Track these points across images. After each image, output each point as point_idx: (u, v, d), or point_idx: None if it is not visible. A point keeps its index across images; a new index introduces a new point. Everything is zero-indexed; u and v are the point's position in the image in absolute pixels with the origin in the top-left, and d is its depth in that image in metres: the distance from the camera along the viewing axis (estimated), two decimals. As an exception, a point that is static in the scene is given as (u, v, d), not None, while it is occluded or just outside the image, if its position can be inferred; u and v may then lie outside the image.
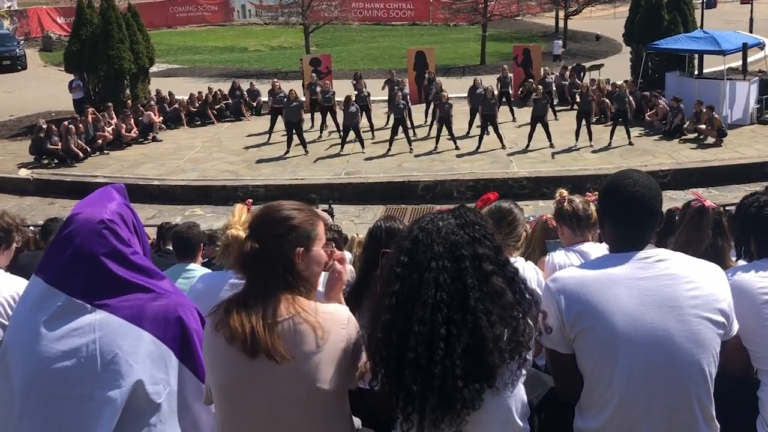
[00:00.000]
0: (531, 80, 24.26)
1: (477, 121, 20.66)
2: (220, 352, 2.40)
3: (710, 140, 20.19)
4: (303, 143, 20.46)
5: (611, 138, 20.00)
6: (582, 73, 25.99)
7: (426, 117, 22.34)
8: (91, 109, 22.12)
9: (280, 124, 21.22)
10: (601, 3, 43.24)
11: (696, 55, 24.11)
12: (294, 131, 20.31)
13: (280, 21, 38.84)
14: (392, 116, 20.65)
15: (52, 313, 2.51)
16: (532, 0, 44.14)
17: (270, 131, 21.99)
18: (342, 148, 20.45)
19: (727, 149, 19.68)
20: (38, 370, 2.46)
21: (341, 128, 20.63)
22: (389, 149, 20.24)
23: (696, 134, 20.52)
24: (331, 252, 2.61)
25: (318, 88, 21.94)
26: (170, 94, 25.24)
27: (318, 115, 22.47)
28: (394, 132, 20.23)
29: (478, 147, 20.06)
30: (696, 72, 24.41)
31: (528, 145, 20.00)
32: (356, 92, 21.47)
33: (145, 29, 26.13)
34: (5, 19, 43.19)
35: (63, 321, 2.49)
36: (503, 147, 19.97)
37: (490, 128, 20.01)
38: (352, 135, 20.18)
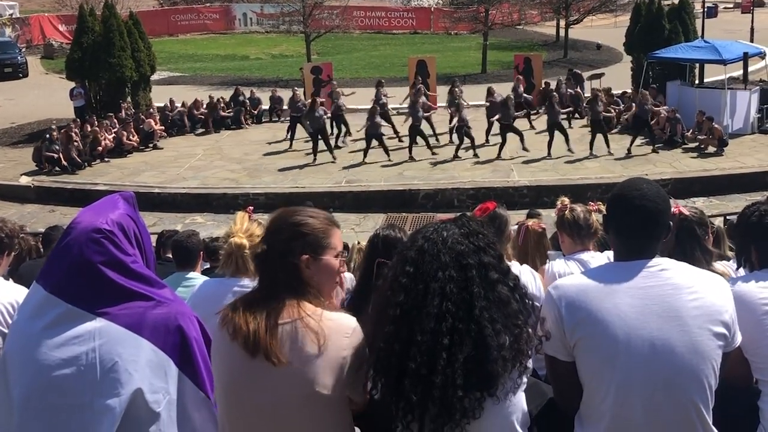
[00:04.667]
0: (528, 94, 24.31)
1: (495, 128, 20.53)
2: (224, 349, 2.46)
3: (711, 149, 20.20)
4: (330, 149, 20.38)
5: (631, 145, 20.04)
6: (583, 83, 25.95)
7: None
8: (92, 119, 22.18)
9: (299, 132, 21.37)
10: (602, 12, 43.25)
11: (697, 65, 24.12)
12: (320, 137, 20.25)
13: (281, 29, 38.86)
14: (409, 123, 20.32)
15: (52, 320, 2.50)
16: (533, 9, 44.22)
17: (291, 138, 21.96)
18: (365, 156, 20.13)
19: (728, 158, 19.69)
20: (37, 378, 2.45)
21: (365, 137, 20.15)
22: (410, 156, 20.14)
23: (697, 144, 20.53)
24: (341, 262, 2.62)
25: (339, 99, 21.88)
26: (171, 101, 25.23)
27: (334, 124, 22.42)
28: (413, 140, 20.13)
29: (499, 155, 19.95)
30: (697, 81, 24.40)
31: (549, 153, 19.87)
32: (374, 99, 21.45)
33: (147, 37, 26.14)
34: (7, 26, 43.26)
35: (63, 329, 2.48)
36: (498, 156, 19.91)
37: (509, 135, 19.85)
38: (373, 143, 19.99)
